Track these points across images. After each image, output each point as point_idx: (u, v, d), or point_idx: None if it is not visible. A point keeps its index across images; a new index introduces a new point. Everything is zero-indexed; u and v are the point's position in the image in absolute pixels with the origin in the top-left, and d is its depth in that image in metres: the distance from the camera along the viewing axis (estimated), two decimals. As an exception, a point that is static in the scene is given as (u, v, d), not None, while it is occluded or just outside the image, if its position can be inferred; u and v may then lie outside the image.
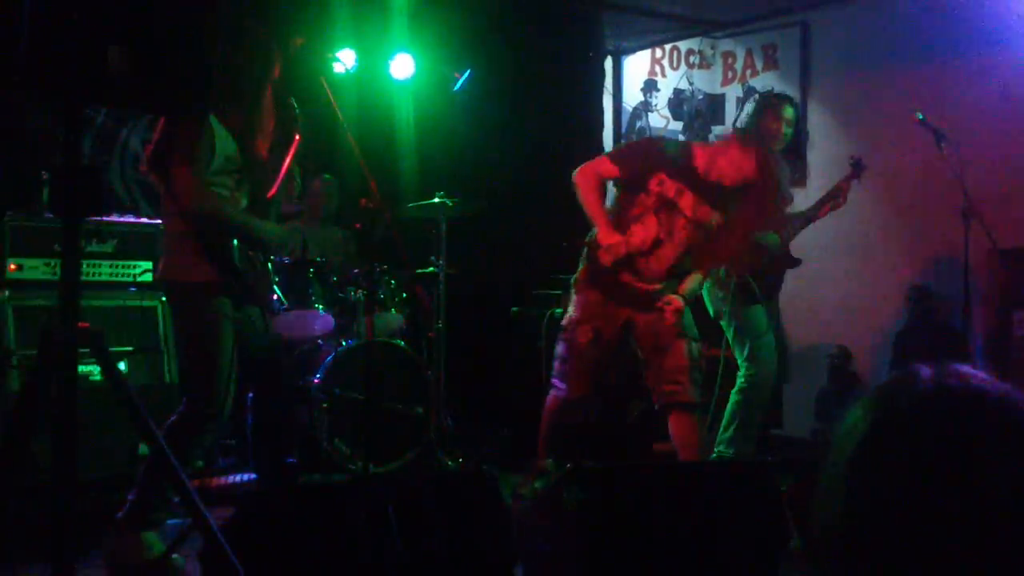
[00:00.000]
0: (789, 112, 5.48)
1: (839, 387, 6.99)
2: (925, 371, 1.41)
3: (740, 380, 5.51)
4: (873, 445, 1.37)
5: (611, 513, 3.29)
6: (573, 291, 4.99)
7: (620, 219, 4.81)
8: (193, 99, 3.66)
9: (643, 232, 4.77)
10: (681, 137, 8.59)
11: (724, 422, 5.48)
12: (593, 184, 4.79)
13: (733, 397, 5.48)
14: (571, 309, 4.94)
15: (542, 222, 5.12)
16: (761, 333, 5.45)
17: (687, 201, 4.73)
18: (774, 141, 5.27)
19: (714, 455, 5.39)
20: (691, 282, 4.88)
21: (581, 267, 4.96)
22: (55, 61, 2.36)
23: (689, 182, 4.73)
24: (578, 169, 4.82)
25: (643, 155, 4.88)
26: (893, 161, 6.93)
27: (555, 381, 4.98)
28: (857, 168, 5.78)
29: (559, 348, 4.96)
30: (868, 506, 1.35)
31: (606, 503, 3.30)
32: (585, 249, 4.96)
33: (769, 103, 5.57)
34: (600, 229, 4.76)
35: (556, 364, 4.97)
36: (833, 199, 5.68)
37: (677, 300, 4.76)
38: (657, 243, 4.78)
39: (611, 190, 5.03)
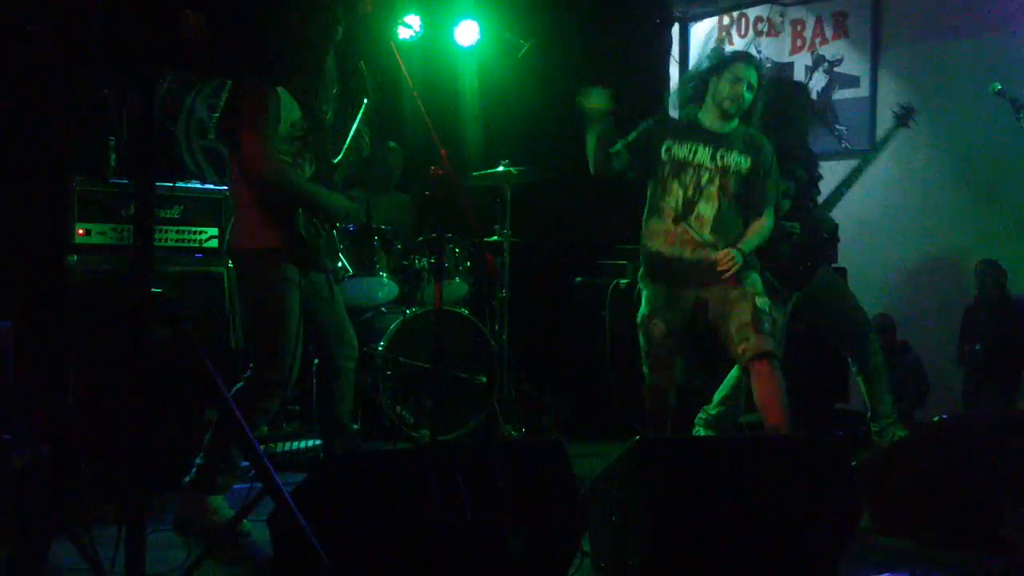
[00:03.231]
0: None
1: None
2: None
3: None
4: None
5: (680, 486, 3.25)
6: (641, 286, 5.01)
7: None
8: (265, 63, 3.66)
9: None
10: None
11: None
12: None
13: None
14: (642, 304, 4.96)
15: (607, 191, 5.06)
16: None
17: None
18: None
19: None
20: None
21: (642, 262, 4.98)
22: (131, 26, 2.36)
23: None
24: None
25: None
26: (967, 133, 6.78)
27: (646, 371, 4.98)
28: (904, 115, 5.63)
29: (640, 340, 4.96)
30: None
31: (676, 475, 3.26)
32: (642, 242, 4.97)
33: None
34: None
35: (643, 356, 4.97)
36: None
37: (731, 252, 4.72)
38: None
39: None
